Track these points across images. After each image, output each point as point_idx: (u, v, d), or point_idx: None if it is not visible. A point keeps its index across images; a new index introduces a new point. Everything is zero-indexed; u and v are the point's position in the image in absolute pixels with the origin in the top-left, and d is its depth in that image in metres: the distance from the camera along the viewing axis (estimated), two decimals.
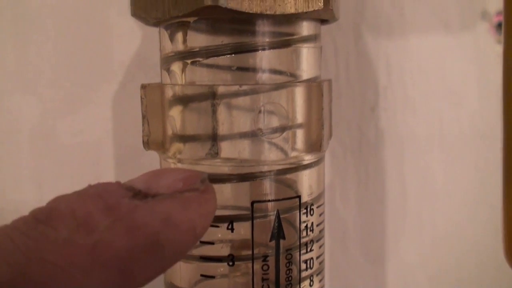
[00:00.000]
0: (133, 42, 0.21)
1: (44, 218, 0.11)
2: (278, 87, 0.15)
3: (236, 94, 0.15)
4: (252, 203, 0.15)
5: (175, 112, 0.16)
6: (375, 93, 0.23)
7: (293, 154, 0.15)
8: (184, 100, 0.15)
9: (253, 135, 0.15)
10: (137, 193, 0.12)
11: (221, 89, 0.14)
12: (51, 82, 0.21)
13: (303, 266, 0.16)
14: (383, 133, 0.23)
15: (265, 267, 0.15)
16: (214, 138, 0.15)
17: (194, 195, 0.12)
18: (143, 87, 0.16)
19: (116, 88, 0.21)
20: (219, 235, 0.15)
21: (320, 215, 0.17)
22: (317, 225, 0.17)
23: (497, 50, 0.23)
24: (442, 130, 0.24)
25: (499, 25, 0.23)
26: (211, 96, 0.14)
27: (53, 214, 0.11)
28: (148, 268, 0.11)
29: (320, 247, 0.17)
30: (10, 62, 0.21)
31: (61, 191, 0.21)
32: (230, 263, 0.15)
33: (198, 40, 0.15)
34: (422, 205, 0.23)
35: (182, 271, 0.17)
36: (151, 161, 0.22)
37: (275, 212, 0.15)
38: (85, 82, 0.21)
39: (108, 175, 0.22)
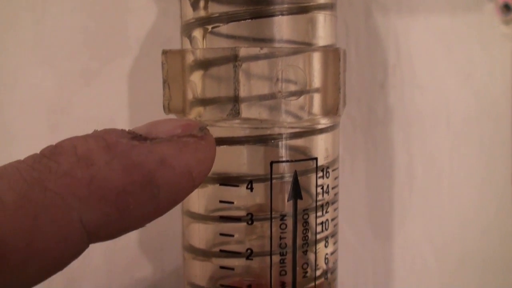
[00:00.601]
0: (148, 18, 0.22)
1: (48, 153, 0.12)
2: (297, 51, 0.16)
3: (257, 57, 0.15)
4: (271, 163, 0.16)
5: (196, 77, 0.16)
6: (384, 71, 0.23)
7: (310, 117, 0.16)
8: (205, 64, 0.16)
9: (272, 97, 0.15)
10: (137, 136, 0.12)
11: (242, 52, 0.15)
12: (67, 55, 0.21)
13: (319, 228, 0.17)
14: (392, 110, 0.24)
15: (283, 226, 0.16)
16: (235, 99, 0.15)
17: (191, 140, 0.13)
18: (164, 52, 0.17)
19: (131, 63, 0.22)
20: (239, 195, 0.16)
21: (335, 178, 0.17)
22: (333, 188, 0.17)
23: (503, 30, 0.24)
24: (448, 108, 0.24)
25: (505, 6, 0.24)
26: (233, 58, 0.15)
27: (57, 150, 0.12)
28: (144, 206, 0.12)
29: (335, 210, 0.17)
30: (28, 36, 0.21)
31: None
32: (249, 222, 0.16)
33: (219, 6, 0.16)
34: (428, 181, 0.24)
35: (201, 232, 0.17)
36: None
37: (293, 172, 0.16)
38: (101, 56, 0.22)
39: None
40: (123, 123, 0.22)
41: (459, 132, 0.24)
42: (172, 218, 0.21)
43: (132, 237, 0.22)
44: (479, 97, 0.24)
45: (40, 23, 0.21)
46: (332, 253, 0.17)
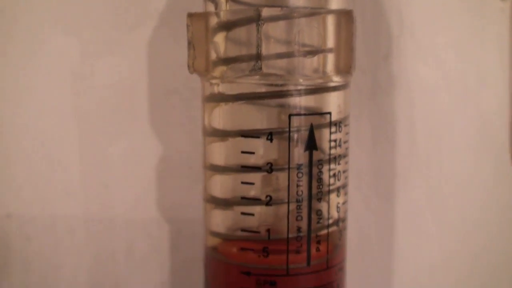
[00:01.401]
0: None
1: None
2: (313, 13, 0.17)
3: (277, 18, 0.17)
4: (289, 116, 0.17)
5: (220, 38, 0.17)
6: (388, 42, 0.25)
7: (325, 75, 0.17)
8: (228, 26, 0.17)
9: (290, 55, 0.17)
10: None
11: (265, 12, 0.16)
12: (91, 24, 0.23)
13: (332, 179, 0.18)
14: (395, 80, 0.25)
15: (299, 175, 0.17)
16: (258, 56, 0.16)
17: None
18: (190, 15, 0.18)
19: (150, 32, 0.23)
20: (259, 146, 0.17)
21: (346, 133, 0.19)
22: (344, 142, 0.18)
23: (499, 5, 0.25)
24: (448, 78, 0.25)
25: None
26: (256, 18, 0.16)
27: None
28: None
29: (346, 163, 0.19)
30: (54, 6, 0.22)
31: (99, 128, 0.23)
32: (269, 171, 0.17)
33: None
34: (429, 147, 0.25)
35: (223, 182, 0.18)
36: (181, 101, 0.24)
37: (309, 125, 0.17)
38: (122, 25, 0.23)
39: (142, 113, 0.23)
40: (142, 89, 0.23)
41: (458, 101, 0.26)
42: (190, 178, 0.23)
43: (151, 199, 0.24)
44: (477, 68, 0.25)
45: None
46: (343, 203, 0.19)
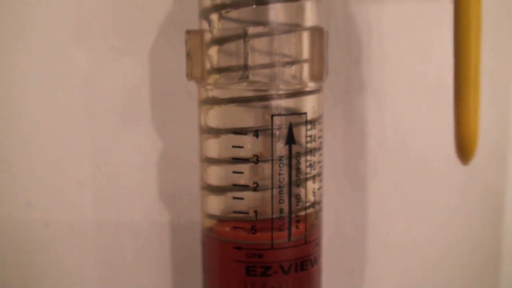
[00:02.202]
0: (165, 5, 0.26)
1: None
2: (290, 30, 0.20)
3: (260, 35, 0.20)
4: (272, 116, 0.21)
5: (213, 51, 0.21)
6: (358, 49, 0.28)
7: (301, 81, 0.21)
8: (220, 41, 0.21)
9: (272, 66, 0.20)
10: None
11: (250, 30, 0.20)
12: (99, 35, 0.26)
13: (308, 168, 0.22)
14: (365, 82, 0.29)
15: (281, 165, 0.21)
16: (245, 67, 0.20)
17: None
18: (188, 32, 0.21)
19: (152, 42, 0.26)
20: (247, 141, 0.21)
21: (320, 130, 0.22)
22: (319, 137, 0.22)
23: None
24: (412, 80, 0.29)
25: None
26: (243, 35, 0.20)
27: None
28: None
29: (320, 155, 0.22)
30: (67, 18, 0.26)
31: (107, 125, 0.26)
32: (255, 162, 0.21)
33: None
34: (396, 141, 0.29)
35: (217, 172, 0.22)
36: (178, 103, 0.27)
37: (288, 124, 0.21)
38: (127, 36, 0.26)
39: (145, 114, 0.27)
40: (145, 92, 0.27)
41: (421, 101, 0.29)
42: (187, 171, 0.26)
43: (153, 189, 0.27)
44: (437, 70, 0.29)
45: (78, 5, 0.26)
46: (318, 189, 0.22)
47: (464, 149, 0.20)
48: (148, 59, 0.26)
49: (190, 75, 0.21)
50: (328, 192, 0.27)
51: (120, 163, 0.27)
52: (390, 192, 0.29)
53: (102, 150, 0.26)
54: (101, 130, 0.26)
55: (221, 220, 0.22)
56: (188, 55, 0.21)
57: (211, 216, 0.22)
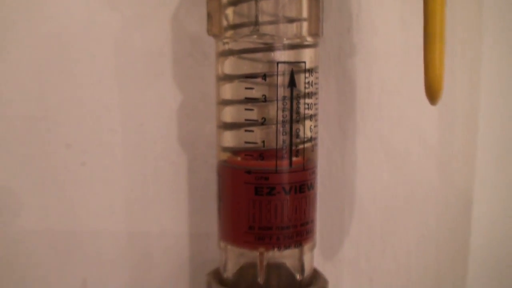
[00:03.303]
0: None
1: None
2: None
3: None
4: (277, 63, 0.25)
5: (229, 11, 0.26)
6: (349, 18, 0.33)
7: (301, 36, 0.26)
8: (235, 2, 0.25)
9: (278, 22, 0.25)
10: None
11: None
12: (129, 2, 0.31)
13: (306, 109, 0.26)
14: (355, 46, 0.33)
15: (284, 104, 0.26)
16: (256, 22, 0.25)
17: None
18: None
19: (173, 10, 0.31)
20: (257, 83, 0.25)
21: (316, 78, 0.27)
22: (315, 84, 0.27)
23: None
24: (396, 47, 0.34)
25: None
26: None
27: None
28: None
29: (316, 98, 0.27)
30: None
31: (138, 79, 0.31)
32: (264, 101, 0.26)
33: None
34: (381, 97, 0.34)
35: (232, 111, 0.27)
36: (197, 61, 0.32)
37: (290, 69, 0.26)
38: (152, 3, 0.31)
39: (168, 70, 0.31)
40: (168, 53, 0.31)
41: (404, 64, 0.34)
42: (203, 119, 0.31)
43: (174, 134, 0.32)
44: (418, 38, 0.34)
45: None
46: (314, 126, 0.27)
47: (431, 91, 0.25)
48: (171, 24, 0.31)
49: (210, 31, 0.26)
50: (322, 139, 0.32)
51: (145, 113, 0.31)
52: (376, 143, 0.34)
53: (130, 101, 0.31)
54: (130, 84, 0.31)
55: (234, 151, 0.27)
56: (209, 15, 0.26)
57: (225, 149, 0.27)
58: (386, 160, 0.34)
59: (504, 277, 0.38)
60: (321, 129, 0.33)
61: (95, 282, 0.32)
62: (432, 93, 0.25)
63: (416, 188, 0.35)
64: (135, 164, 0.32)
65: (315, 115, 0.27)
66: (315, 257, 0.28)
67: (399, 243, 0.35)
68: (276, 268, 0.27)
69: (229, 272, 0.28)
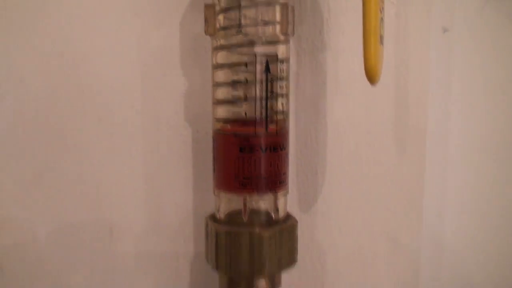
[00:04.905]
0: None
1: None
2: (269, 3, 0.34)
3: (249, 6, 0.34)
4: (256, 55, 0.34)
5: (221, 17, 0.35)
6: (320, 22, 0.42)
7: (275, 35, 0.35)
8: (224, 10, 0.34)
9: (257, 24, 0.34)
10: None
11: (243, 2, 0.34)
12: (147, 8, 0.40)
13: (280, 89, 0.35)
14: (326, 44, 0.42)
15: (262, 85, 0.35)
16: (239, 25, 0.34)
17: None
18: (206, 5, 0.35)
19: (182, 14, 0.40)
20: (242, 70, 0.35)
21: (287, 66, 0.36)
22: (286, 70, 0.36)
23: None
24: (358, 43, 0.43)
25: None
26: (238, 6, 0.34)
27: None
28: None
29: (287, 81, 0.36)
30: None
31: (154, 70, 0.40)
32: (246, 82, 0.35)
33: None
34: (346, 83, 0.43)
35: (223, 91, 0.36)
36: (199, 55, 0.41)
37: (266, 60, 0.35)
38: (165, 9, 0.40)
39: (176, 59, 0.41)
40: (177, 49, 0.41)
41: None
42: (204, 100, 0.40)
43: (180, 109, 0.41)
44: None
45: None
46: (286, 103, 0.36)
47: (369, 76, 0.34)
48: (179, 26, 0.40)
49: (207, 32, 0.35)
50: (299, 116, 0.41)
51: (160, 95, 0.41)
52: (342, 119, 0.43)
53: (149, 86, 0.40)
54: (149, 73, 0.40)
55: (225, 121, 0.36)
56: (206, 19, 0.35)
57: (218, 120, 0.36)
58: (351, 131, 0.43)
59: None
60: (298, 109, 0.42)
61: (119, 229, 0.42)
62: (370, 77, 0.34)
63: (378, 153, 0.44)
64: (151, 135, 0.41)
65: (286, 94, 0.36)
66: (294, 211, 0.37)
67: (364, 197, 0.44)
68: (256, 212, 0.36)
69: (222, 213, 0.37)
